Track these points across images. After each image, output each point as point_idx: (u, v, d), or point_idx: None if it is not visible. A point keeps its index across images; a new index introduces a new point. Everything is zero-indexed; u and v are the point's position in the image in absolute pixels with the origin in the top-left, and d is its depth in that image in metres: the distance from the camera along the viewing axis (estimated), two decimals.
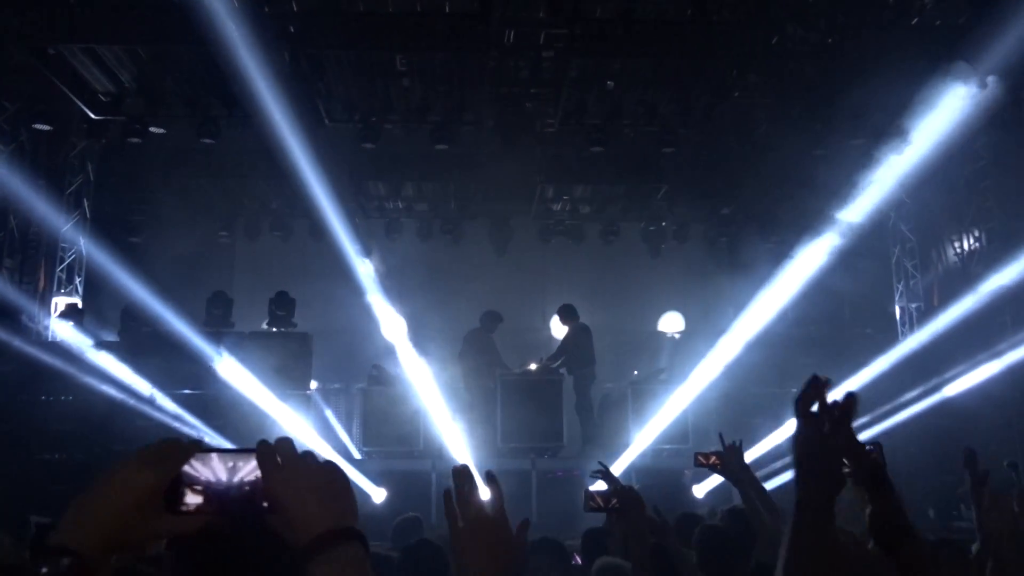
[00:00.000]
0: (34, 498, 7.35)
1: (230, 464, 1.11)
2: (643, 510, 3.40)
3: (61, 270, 11.52)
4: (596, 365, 10.14)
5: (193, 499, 1.08)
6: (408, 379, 10.01)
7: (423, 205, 12.38)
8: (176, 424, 9.04)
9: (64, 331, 10.27)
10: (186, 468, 1.09)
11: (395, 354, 10.35)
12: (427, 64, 9.87)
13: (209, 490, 1.09)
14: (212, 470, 1.10)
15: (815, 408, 1.42)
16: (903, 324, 12.25)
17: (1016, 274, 9.57)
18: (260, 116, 10.67)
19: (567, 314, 10.38)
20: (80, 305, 11.18)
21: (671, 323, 13.12)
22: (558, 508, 8.82)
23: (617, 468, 9.15)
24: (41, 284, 11.27)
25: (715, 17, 9.89)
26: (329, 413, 10.04)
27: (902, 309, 12.32)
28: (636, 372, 10.90)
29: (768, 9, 9.79)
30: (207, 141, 10.66)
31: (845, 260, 11.64)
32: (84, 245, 11.83)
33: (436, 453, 9.40)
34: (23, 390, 9.44)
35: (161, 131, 10.84)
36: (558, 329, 10.54)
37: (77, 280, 11.72)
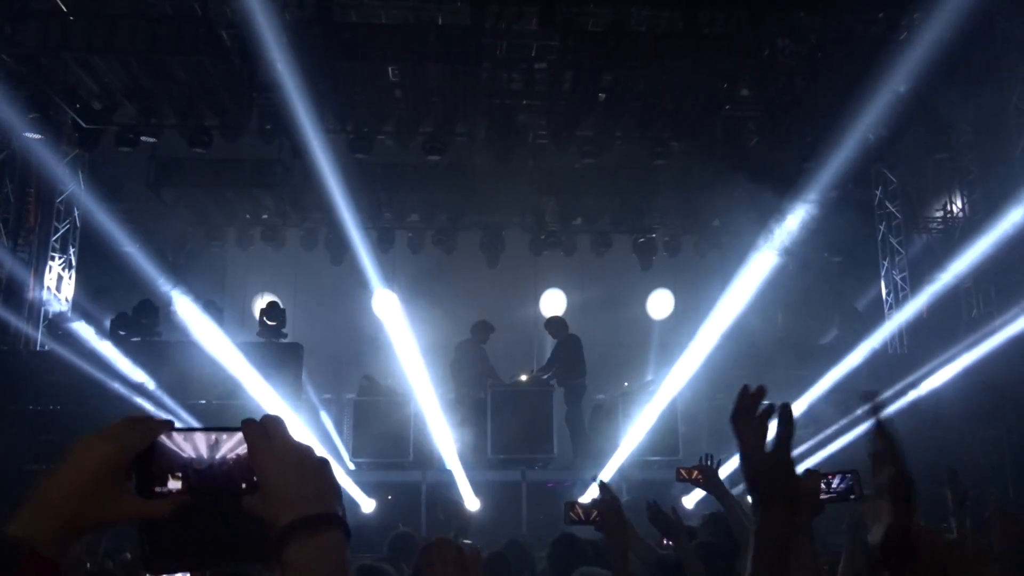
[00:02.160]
0: None
1: (212, 440, 1.07)
2: (624, 523, 3.39)
3: (51, 279, 11.47)
4: (587, 376, 10.13)
5: (173, 483, 1.04)
6: (399, 390, 9.99)
7: (415, 216, 12.38)
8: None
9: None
10: (167, 445, 1.05)
11: (386, 364, 10.34)
12: (420, 75, 9.90)
13: (189, 470, 1.05)
14: (193, 447, 1.06)
15: (752, 423, 1.40)
16: (888, 305, 12.33)
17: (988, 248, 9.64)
18: (253, 126, 10.76)
19: (557, 326, 10.38)
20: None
21: (660, 304, 13.13)
22: (548, 519, 8.80)
23: (606, 479, 9.14)
24: (31, 294, 11.23)
25: (706, 30, 9.96)
26: (326, 418, 10.02)
27: (888, 286, 12.40)
28: (626, 384, 10.90)
29: (759, 23, 9.86)
30: (199, 151, 10.67)
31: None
32: (74, 254, 11.80)
33: (427, 464, 9.37)
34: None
35: (152, 140, 10.83)
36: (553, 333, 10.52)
37: (65, 290, 11.67)
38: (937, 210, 12.41)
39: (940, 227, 12.31)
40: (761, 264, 11.22)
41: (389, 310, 10.88)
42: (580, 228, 12.68)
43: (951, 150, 11.77)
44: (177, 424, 1.06)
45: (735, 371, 10.31)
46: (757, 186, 11.07)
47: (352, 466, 9.44)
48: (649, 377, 11.25)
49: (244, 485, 1.06)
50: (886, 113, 10.13)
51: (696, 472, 4.39)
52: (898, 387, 9.60)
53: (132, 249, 10.96)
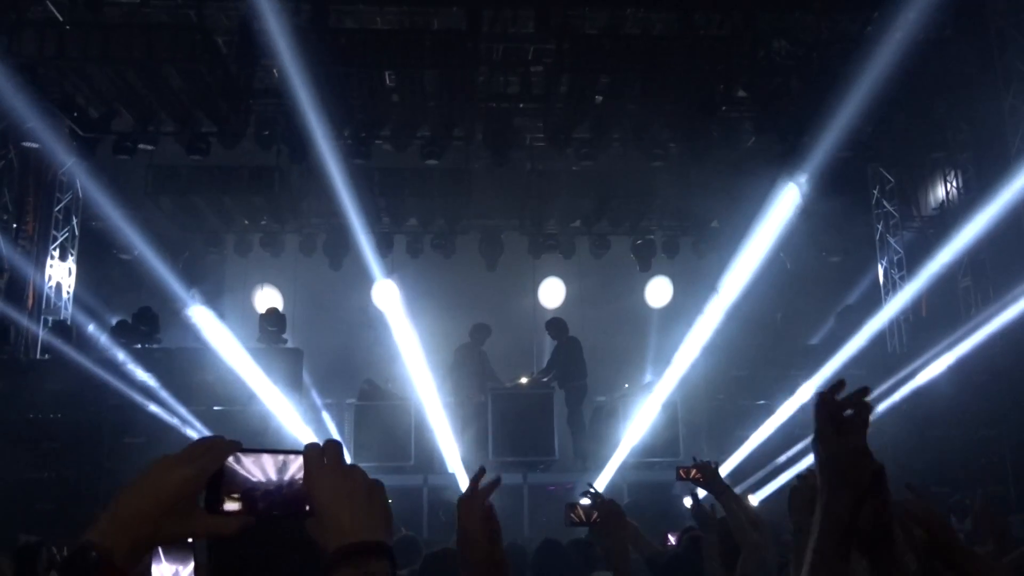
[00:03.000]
0: None
1: (280, 463, 1.10)
2: (624, 523, 3.40)
3: (50, 288, 11.48)
4: (587, 378, 10.15)
5: (231, 505, 1.08)
6: (399, 394, 10.01)
7: (413, 220, 12.40)
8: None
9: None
10: (235, 467, 1.09)
11: (387, 369, 10.36)
12: (416, 80, 9.92)
13: (254, 491, 1.08)
14: (262, 469, 1.09)
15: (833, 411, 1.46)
16: (886, 291, 12.36)
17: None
18: (250, 133, 10.78)
19: (557, 328, 10.40)
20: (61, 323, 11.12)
21: (658, 292, 13.12)
22: (550, 523, 8.80)
23: (607, 481, 9.16)
24: (30, 303, 11.24)
25: (702, 32, 9.99)
26: (329, 422, 10.03)
27: (886, 285, 12.44)
28: (627, 385, 10.91)
29: (754, 24, 9.89)
30: (196, 158, 10.70)
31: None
32: (73, 266, 11.82)
33: (428, 467, 9.37)
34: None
35: (150, 148, 10.85)
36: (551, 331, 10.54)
37: (65, 298, 11.68)
38: (934, 209, 12.44)
39: (936, 225, 12.34)
40: (757, 261, 11.26)
41: (390, 301, 10.90)
42: (578, 230, 12.69)
43: (947, 149, 11.80)
44: (237, 445, 1.09)
45: (734, 372, 10.35)
46: (754, 187, 11.11)
47: None
48: (648, 377, 11.26)
49: (308, 508, 1.10)
50: (883, 113, 10.15)
51: (696, 471, 4.41)
52: (892, 383, 9.62)
53: (141, 254, 10.99)
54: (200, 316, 10.26)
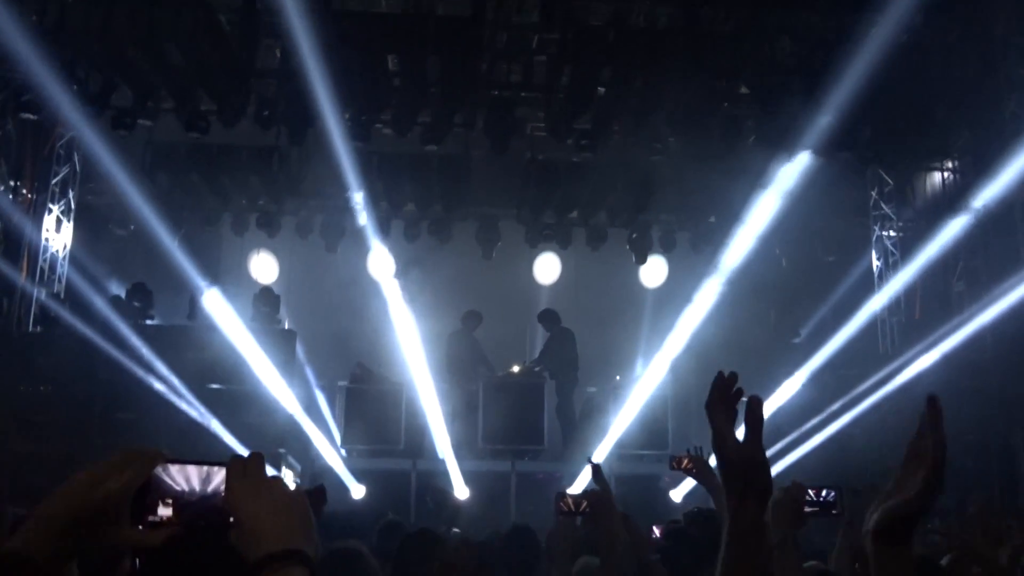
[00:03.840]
0: None
1: (204, 474, 1.14)
2: (614, 514, 3.42)
3: (44, 261, 11.45)
4: (579, 370, 10.18)
5: (164, 510, 1.10)
6: (391, 378, 10.02)
7: (411, 205, 12.38)
8: (202, 420, 8.97)
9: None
10: (161, 477, 1.11)
11: (379, 353, 10.37)
12: (419, 65, 9.89)
13: (180, 501, 1.11)
14: (186, 480, 1.12)
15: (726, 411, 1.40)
16: (878, 257, 12.41)
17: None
18: (250, 113, 10.74)
19: (549, 319, 10.42)
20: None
21: (653, 272, 13.12)
22: (537, 510, 8.84)
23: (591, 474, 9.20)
24: (23, 276, 11.21)
25: (707, 27, 9.97)
26: (323, 403, 10.06)
27: (880, 262, 12.48)
28: (618, 377, 10.94)
29: (759, 21, 9.88)
30: (195, 136, 10.67)
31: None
32: (69, 239, 11.78)
33: (417, 452, 9.40)
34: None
35: (149, 123, 10.81)
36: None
37: (59, 272, 11.65)
38: (931, 212, 12.46)
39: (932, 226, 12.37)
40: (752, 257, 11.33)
41: (385, 271, 10.89)
42: (575, 222, 12.69)
43: (948, 154, 11.83)
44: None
45: (725, 366, 10.38)
46: (753, 184, 11.13)
47: (343, 452, 9.47)
48: (639, 366, 11.27)
49: (232, 519, 1.12)
50: (884, 115, 10.16)
51: (688, 461, 4.44)
52: (880, 381, 9.69)
53: (138, 230, 10.97)
54: (214, 301, 10.25)
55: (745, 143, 11.72)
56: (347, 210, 11.84)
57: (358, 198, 10.94)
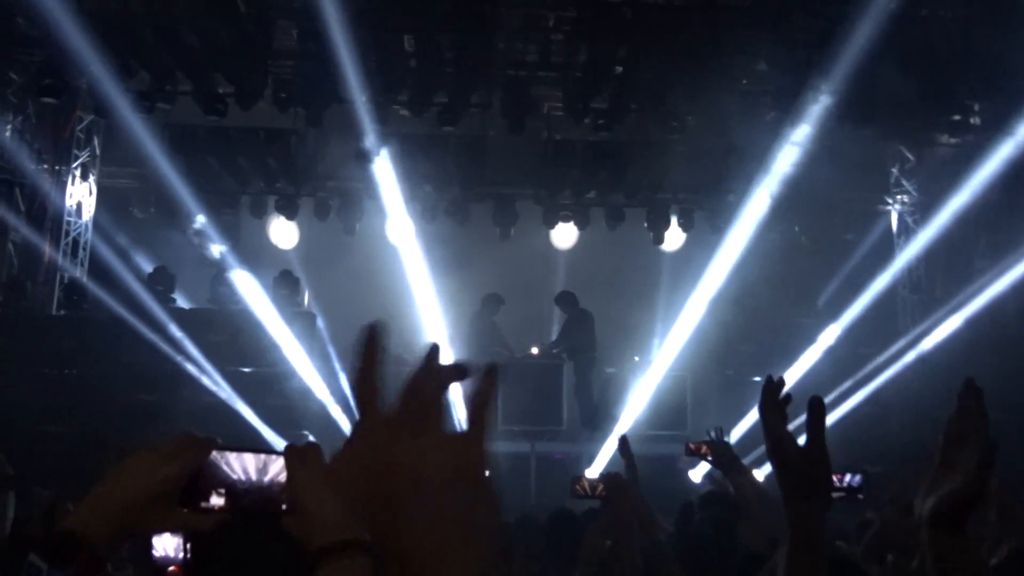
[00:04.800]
0: None
1: (261, 464, 1.14)
2: (629, 498, 3.42)
3: (66, 244, 11.56)
4: (597, 351, 10.19)
5: (216, 499, 1.11)
6: (408, 358, 10.04)
7: (428, 187, 12.37)
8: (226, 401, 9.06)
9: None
10: (218, 463, 1.12)
11: (397, 334, 10.40)
12: (434, 45, 9.85)
13: (233, 489, 1.11)
14: (243, 468, 1.12)
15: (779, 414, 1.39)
16: (898, 236, 12.30)
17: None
18: (268, 95, 10.76)
19: (567, 301, 10.43)
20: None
21: (671, 236, 13.06)
22: (557, 491, 8.89)
23: (613, 451, 9.23)
24: (47, 258, 11.33)
25: (724, 3, 9.85)
26: (345, 385, 10.11)
27: (899, 215, 12.35)
28: (636, 358, 10.95)
29: None
30: (213, 119, 10.70)
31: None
32: (91, 218, 11.89)
33: None
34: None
35: (167, 107, 10.85)
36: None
37: (81, 255, 11.77)
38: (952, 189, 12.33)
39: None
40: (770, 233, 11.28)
41: (404, 237, 10.89)
42: (593, 201, 12.63)
43: (970, 130, 11.66)
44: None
45: (744, 347, 10.38)
46: (771, 160, 11.05)
47: None
48: (657, 346, 11.25)
49: (284, 507, 1.15)
50: (905, 91, 10.02)
51: (705, 447, 4.45)
52: (898, 350, 9.64)
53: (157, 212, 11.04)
54: (241, 279, 10.32)
55: (763, 120, 11.62)
56: (365, 192, 11.87)
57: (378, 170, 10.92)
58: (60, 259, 11.40)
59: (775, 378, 1.42)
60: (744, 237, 11.50)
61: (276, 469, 1.15)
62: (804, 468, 1.34)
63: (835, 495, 2.78)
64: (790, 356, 10.08)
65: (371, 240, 12.01)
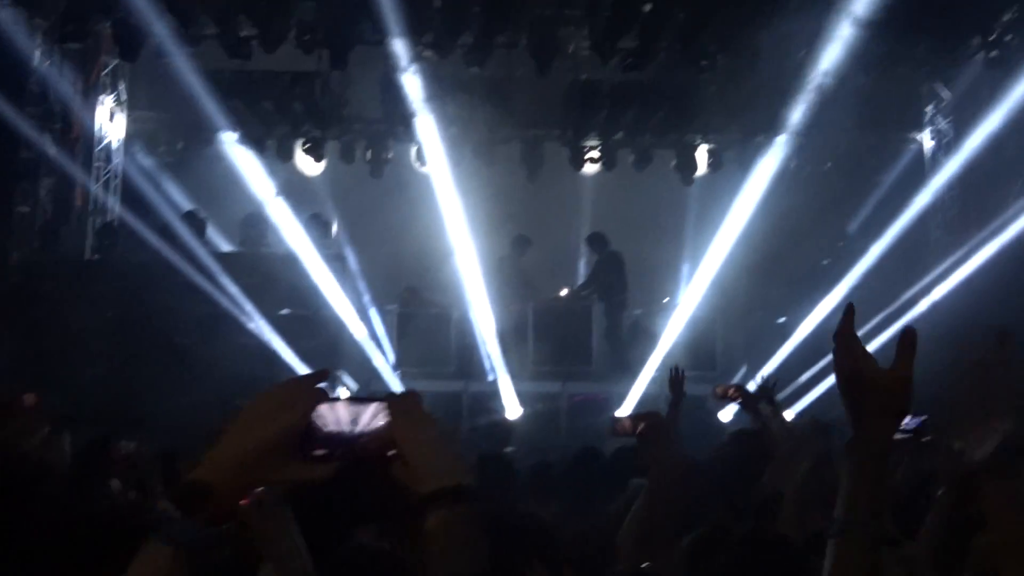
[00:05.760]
0: None
1: (353, 413, 1.16)
2: (670, 437, 3.44)
3: (97, 189, 11.66)
4: (627, 293, 10.21)
5: (319, 449, 1.13)
6: (440, 302, 10.16)
7: (454, 129, 12.29)
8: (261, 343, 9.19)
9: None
10: (314, 415, 1.14)
11: (428, 277, 10.49)
12: None
13: (331, 439, 1.13)
14: (336, 419, 1.14)
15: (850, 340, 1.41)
16: (930, 173, 12.18)
17: None
18: (292, 37, 10.67)
19: (597, 242, 10.42)
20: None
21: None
22: (587, 430, 9.02)
23: (642, 392, 9.33)
24: (78, 203, 11.44)
25: None
26: (379, 327, 10.24)
27: (932, 153, 12.20)
28: (666, 299, 10.97)
29: None
30: (238, 62, 10.65)
31: None
32: (120, 162, 11.97)
33: (468, 374, 9.58)
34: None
35: (192, 50, 10.79)
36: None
37: (112, 200, 11.86)
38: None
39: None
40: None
41: (434, 166, 10.87)
42: (621, 142, 12.51)
43: (1007, 64, 11.36)
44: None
45: (772, 289, 10.38)
46: (803, 99, 10.87)
47: (396, 375, 9.69)
48: (685, 285, 11.25)
49: (389, 454, 1.15)
50: (942, 26, 9.78)
51: (732, 389, 4.50)
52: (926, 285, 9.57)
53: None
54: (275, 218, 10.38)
55: (795, 57, 11.39)
56: (391, 134, 11.82)
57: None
58: (91, 204, 11.51)
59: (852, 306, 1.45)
60: (772, 176, 11.37)
61: (367, 417, 1.16)
62: (887, 384, 1.36)
63: (899, 436, 2.79)
64: (815, 298, 10.03)
65: (398, 175, 12.01)
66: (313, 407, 1.13)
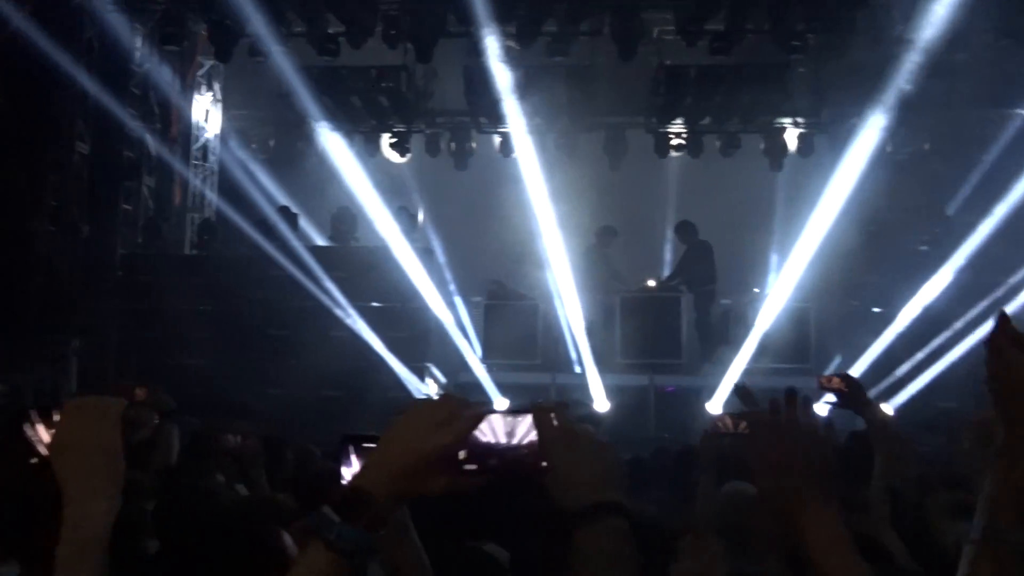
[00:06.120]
0: None
1: (508, 426, 1.16)
2: (780, 437, 3.35)
3: (195, 187, 12.10)
4: (717, 283, 10.03)
5: (471, 464, 1.13)
6: (527, 294, 10.18)
7: (537, 120, 12.27)
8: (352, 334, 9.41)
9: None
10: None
11: (514, 270, 10.52)
12: None
13: (487, 451, 1.14)
14: (491, 430, 1.15)
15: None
16: None
17: None
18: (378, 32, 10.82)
19: (686, 231, 10.25)
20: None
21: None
22: (676, 424, 8.92)
23: (731, 387, 9.16)
24: (176, 201, 11.89)
25: None
26: (466, 319, 10.35)
27: None
28: (756, 290, 10.73)
29: None
30: (327, 58, 10.86)
31: None
32: (216, 159, 12.38)
33: (555, 366, 9.58)
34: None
35: (283, 49, 11.04)
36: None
37: (209, 196, 12.28)
38: None
39: None
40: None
41: (518, 156, 10.88)
42: (707, 128, 12.27)
43: None
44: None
45: (869, 276, 10.02)
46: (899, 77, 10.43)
47: (484, 367, 9.77)
48: (775, 275, 10.98)
49: (537, 469, 1.15)
50: None
51: (836, 379, 4.36)
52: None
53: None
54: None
55: (891, 33, 10.95)
56: (474, 126, 11.88)
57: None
58: (191, 200, 11.95)
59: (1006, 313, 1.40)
60: (866, 159, 10.96)
61: (523, 431, 1.16)
62: None
63: None
64: (914, 285, 9.65)
65: (482, 167, 12.08)
66: (471, 428, 1.13)
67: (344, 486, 1.12)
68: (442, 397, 1.16)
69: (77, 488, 1.35)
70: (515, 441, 1.16)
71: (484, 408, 1.15)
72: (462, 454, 1.13)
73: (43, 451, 1.49)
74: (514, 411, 1.19)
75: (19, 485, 1.71)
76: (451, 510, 1.21)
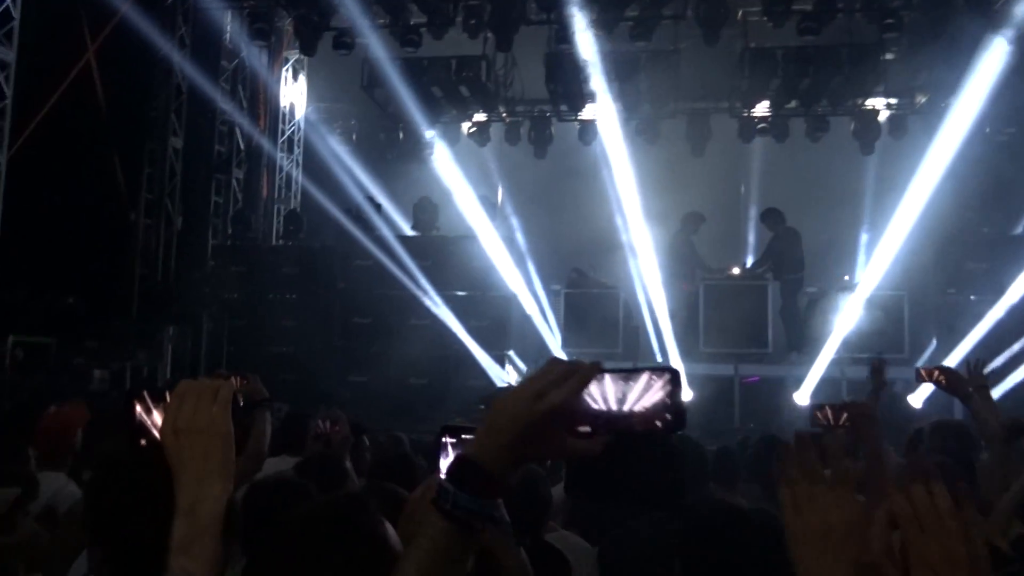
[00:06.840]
0: None
1: (620, 391, 1.11)
2: (878, 429, 3.25)
3: (281, 179, 12.40)
4: (805, 271, 9.76)
5: (584, 426, 1.10)
6: (607, 282, 10.11)
7: (618, 106, 12.12)
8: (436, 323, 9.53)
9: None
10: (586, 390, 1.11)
11: (594, 257, 10.46)
12: None
13: (602, 416, 1.10)
14: (602, 395, 1.11)
15: None
16: None
17: None
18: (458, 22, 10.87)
19: (773, 218, 9.99)
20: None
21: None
22: (760, 414, 8.74)
23: (821, 375, 8.90)
24: (264, 193, 12.22)
25: None
26: (547, 307, 10.36)
27: None
28: (846, 277, 10.40)
29: None
30: (409, 50, 10.96)
31: None
32: (300, 151, 12.66)
33: (635, 355, 9.49)
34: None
35: (366, 42, 11.20)
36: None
37: (295, 188, 12.58)
38: None
39: None
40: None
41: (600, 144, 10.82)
42: (794, 111, 11.91)
43: None
44: None
45: (970, 264, 9.59)
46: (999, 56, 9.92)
47: (564, 355, 9.74)
48: (865, 263, 10.61)
49: (660, 425, 1.09)
50: None
51: (937, 372, 4.19)
52: None
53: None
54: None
55: (989, 11, 10.42)
56: (555, 114, 11.83)
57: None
58: (276, 193, 12.27)
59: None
60: (962, 140, 10.46)
61: (635, 396, 1.11)
62: None
63: None
64: (1013, 273, 9.19)
65: (562, 155, 12.03)
66: (582, 387, 1.10)
67: (456, 456, 1.12)
68: (549, 361, 1.13)
69: (192, 470, 1.35)
70: (626, 408, 1.11)
71: (599, 368, 1.11)
72: (585, 420, 1.10)
73: (155, 433, 1.52)
74: (626, 372, 1.13)
75: (129, 468, 1.73)
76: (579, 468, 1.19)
